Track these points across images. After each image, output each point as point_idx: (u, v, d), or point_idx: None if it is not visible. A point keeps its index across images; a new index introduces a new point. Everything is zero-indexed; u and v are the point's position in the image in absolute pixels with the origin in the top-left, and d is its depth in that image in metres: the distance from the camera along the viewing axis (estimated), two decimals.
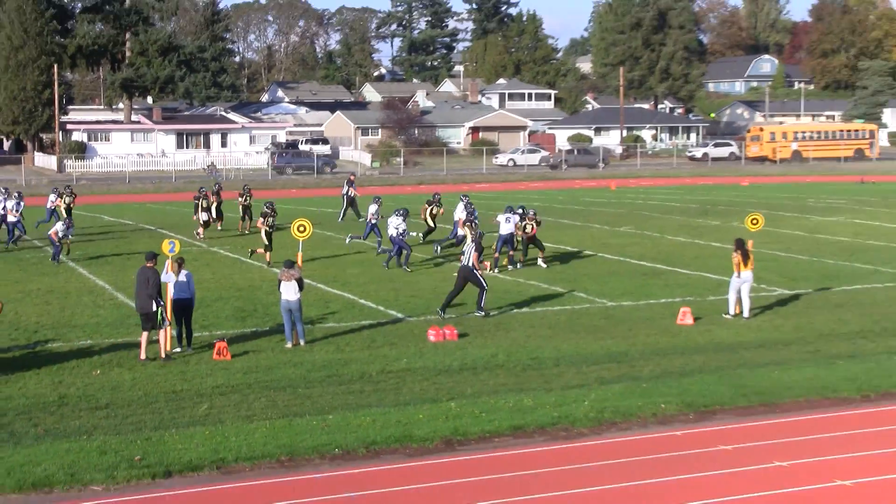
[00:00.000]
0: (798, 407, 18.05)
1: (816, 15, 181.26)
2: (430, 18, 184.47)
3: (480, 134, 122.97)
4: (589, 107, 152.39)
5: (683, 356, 21.86)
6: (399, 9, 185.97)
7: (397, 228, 34.09)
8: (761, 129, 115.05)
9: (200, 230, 43.37)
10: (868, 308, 27.36)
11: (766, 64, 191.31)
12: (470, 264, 26.56)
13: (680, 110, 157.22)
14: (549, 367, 20.96)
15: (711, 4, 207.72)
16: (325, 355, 22.15)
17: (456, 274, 27.78)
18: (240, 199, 45.73)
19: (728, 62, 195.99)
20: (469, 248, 27.15)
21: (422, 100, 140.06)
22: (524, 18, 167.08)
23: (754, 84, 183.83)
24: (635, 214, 52.81)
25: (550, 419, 17.08)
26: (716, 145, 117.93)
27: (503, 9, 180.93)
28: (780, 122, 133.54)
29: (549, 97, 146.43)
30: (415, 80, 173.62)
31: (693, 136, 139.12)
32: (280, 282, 22.95)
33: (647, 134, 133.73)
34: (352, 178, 52.96)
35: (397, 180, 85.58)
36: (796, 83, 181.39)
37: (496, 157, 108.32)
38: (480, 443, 16.20)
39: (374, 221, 39.14)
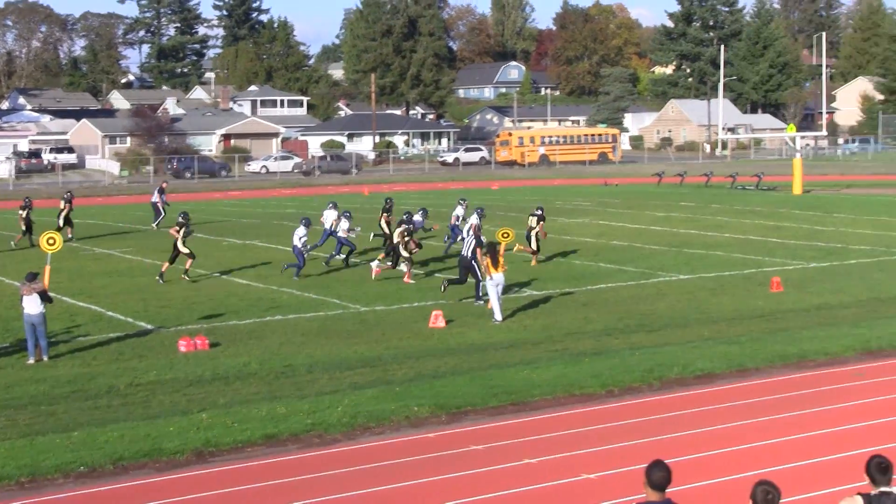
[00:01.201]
0: (547, 404, 18.45)
1: (560, 23, 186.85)
2: (178, 25, 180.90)
3: (232, 141, 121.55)
4: (341, 113, 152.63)
5: (436, 359, 22.07)
6: (147, 15, 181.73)
7: (301, 239, 33.24)
8: (510, 134, 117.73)
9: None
10: (612, 306, 28.27)
11: (514, 70, 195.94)
12: (469, 254, 28.22)
13: (431, 116, 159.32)
14: (303, 374, 20.84)
15: (460, 12, 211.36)
16: (71, 370, 21.41)
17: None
18: (21, 211, 43.80)
19: (477, 69, 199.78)
20: (469, 239, 28.90)
21: (172, 107, 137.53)
22: (275, 25, 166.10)
23: (503, 90, 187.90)
24: None
25: (304, 426, 16.97)
26: (466, 150, 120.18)
27: (254, 15, 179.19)
28: (528, 128, 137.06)
29: (301, 104, 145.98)
30: (164, 87, 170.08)
31: (444, 141, 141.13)
32: (22, 296, 22.07)
33: (399, 140, 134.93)
34: (164, 185, 51.71)
35: (147, 189, 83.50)
36: (543, 89, 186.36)
37: (249, 165, 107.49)
38: (232, 453, 15.95)
39: (330, 229, 37.82)
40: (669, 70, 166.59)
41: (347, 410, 17.71)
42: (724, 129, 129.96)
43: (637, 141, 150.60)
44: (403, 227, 33.20)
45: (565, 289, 30.97)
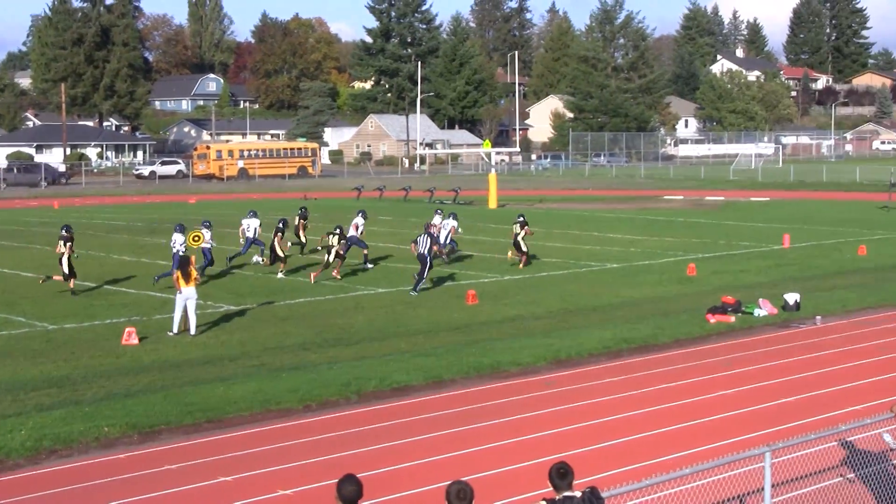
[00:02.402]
0: (243, 421, 18.12)
1: (259, 36, 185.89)
2: None
3: None
4: (30, 123, 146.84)
5: (129, 377, 21.34)
6: None
7: (181, 245, 33.60)
8: (208, 148, 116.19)
9: None
10: (311, 320, 28.13)
11: (212, 83, 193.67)
12: (426, 251, 32.13)
13: (126, 128, 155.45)
14: None
15: (156, 22, 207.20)
16: None
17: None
18: None
19: (174, 80, 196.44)
20: (423, 238, 32.53)
21: None
22: None
23: (201, 102, 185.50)
24: (80, 234, 51.27)
25: None
26: (163, 163, 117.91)
27: None
28: (227, 141, 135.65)
29: None
30: None
31: (140, 154, 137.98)
32: None
33: (92, 152, 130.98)
34: None
35: None
36: (242, 102, 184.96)
37: None
38: None
39: (251, 236, 38.87)
40: (368, 85, 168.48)
41: (31, 433, 16.87)
42: (422, 144, 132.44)
43: (337, 155, 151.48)
44: (338, 234, 35.34)
45: (263, 302, 30.66)
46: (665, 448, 16.20)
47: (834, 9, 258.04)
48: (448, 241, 39.92)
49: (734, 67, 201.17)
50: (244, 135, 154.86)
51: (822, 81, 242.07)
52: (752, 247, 44.40)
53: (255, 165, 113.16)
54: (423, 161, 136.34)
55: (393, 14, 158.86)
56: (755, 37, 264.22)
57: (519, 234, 37.88)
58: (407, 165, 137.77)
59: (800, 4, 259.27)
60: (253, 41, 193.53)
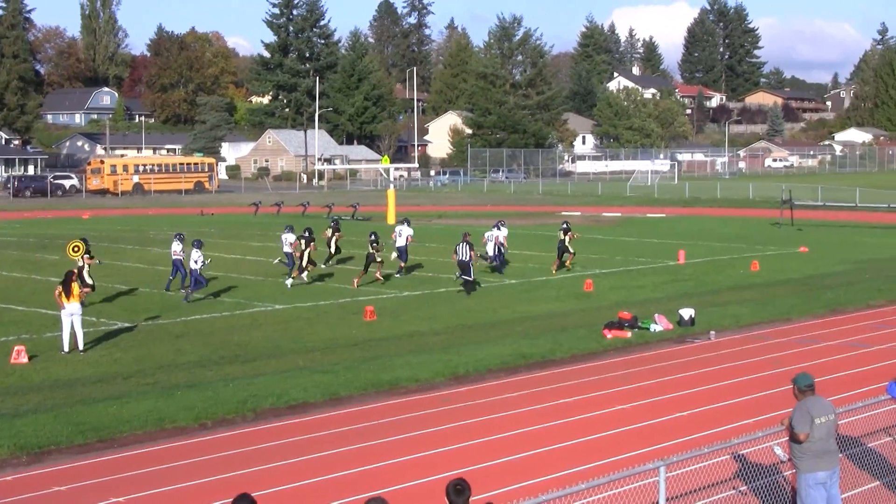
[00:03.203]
0: (136, 440, 17.82)
1: (155, 50, 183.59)
2: None
3: None
4: None
5: (17, 396, 20.86)
6: None
7: (196, 262, 33.63)
8: (102, 162, 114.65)
9: None
10: (207, 337, 27.80)
11: (107, 96, 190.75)
12: (467, 258, 34.75)
13: (17, 142, 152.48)
14: None
15: (47, 34, 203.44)
16: None
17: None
18: None
19: (67, 94, 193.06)
20: (462, 245, 34.93)
21: None
22: None
23: (95, 116, 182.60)
24: None
25: None
26: (55, 178, 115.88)
27: None
28: (122, 155, 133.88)
29: None
30: None
31: (31, 168, 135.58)
32: None
33: None
34: None
35: None
36: (137, 116, 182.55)
37: None
38: None
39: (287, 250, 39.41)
40: (266, 100, 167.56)
41: None
42: (320, 159, 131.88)
43: (234, 170, 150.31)
44: (372, 238, 37.92)
45: (159, 320, 30.23)
46: (562, 463, 16.25)
47: (727, 28, 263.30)
48: (498, 252, 41.42)
49: (630, 85, 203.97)
50: (139, 149, 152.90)
51: (715, 99, 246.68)
52: (648, 262, 44.91)
53: (150, 180, 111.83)
54: (321, 176, 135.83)
55: (291, 29, 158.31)
56: (651, 55, 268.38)
57: (564, 239, 40.52)
58: (305, 181, 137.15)
59: (694, 24, 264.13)
60: (148, 54, 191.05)
